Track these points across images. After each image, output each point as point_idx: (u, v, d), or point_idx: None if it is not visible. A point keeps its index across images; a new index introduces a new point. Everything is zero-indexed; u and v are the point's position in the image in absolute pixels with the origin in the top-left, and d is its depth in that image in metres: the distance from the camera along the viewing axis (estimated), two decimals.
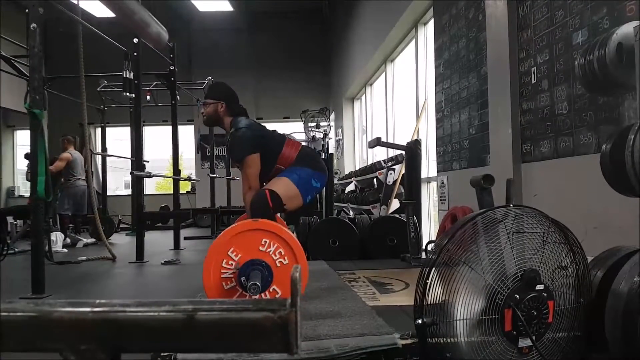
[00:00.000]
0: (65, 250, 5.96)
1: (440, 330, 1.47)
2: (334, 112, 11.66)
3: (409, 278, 2.98)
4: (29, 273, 3.18)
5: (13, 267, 4.64)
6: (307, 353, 1.57)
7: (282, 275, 2.08)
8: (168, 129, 6.66)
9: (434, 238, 4.91)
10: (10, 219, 6.56)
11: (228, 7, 10.08)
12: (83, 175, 6.70)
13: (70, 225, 6.78)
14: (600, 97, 2.45)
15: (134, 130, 6.89)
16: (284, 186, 2.62)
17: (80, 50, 4.37)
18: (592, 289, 1.59)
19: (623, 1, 2.28)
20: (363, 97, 9.88)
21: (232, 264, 2.06)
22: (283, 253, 2.10)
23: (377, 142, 4.58)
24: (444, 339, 1.47)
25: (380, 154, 7.44)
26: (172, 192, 6.54)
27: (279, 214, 2.80)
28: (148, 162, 7.25)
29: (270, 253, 2.09)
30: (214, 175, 8.49)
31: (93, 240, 6.76)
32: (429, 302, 1.48)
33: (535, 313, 1.46)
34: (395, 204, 5.56)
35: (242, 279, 2.01)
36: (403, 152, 5.03)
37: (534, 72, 3.07)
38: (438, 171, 4.80)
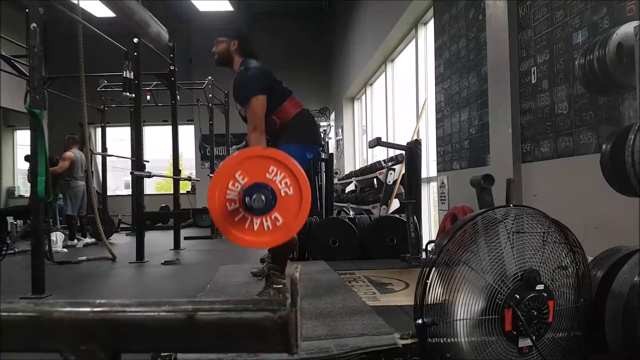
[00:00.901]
0: (65, 250, 5.96)
1: (441, 330, 1.47)
2: (334, 112, 11.66)
3: (409, 278, 2.98)
4: (29, 273, 3.18)
5: (13, 267, 4.64)
6: (307, 353, 1.57)
7: (285, 205, 2.08)
8: (168, 129, 6.67)
9: (434, 238, 4.91)
10: (10, 219, 6.58)
11: (228, 7, 10.08)
12: (82, 175, 6.70)
13: (77, 225, 6.79)
14: (600, 97, 2.45)
15: (134, 130, 6.88)
16: None
17: (80, 50, 4.37)
18: (592, 289, 1.59)
19: (623, 1, 2.28)
20: (363, 97, 9.88)
21: (237, 186, 2.07)
22: (289, 183, 2.09)
23: (377, 142, 4.58)
24: (444, 339, 1.47)
25: (380, 154, 7.43)
26: (172, 192, 6.54)
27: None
28: (148, 162, 7.25)
29: (277, 181, 2.08)
30: None
31: (93, 240, 6.77)
32: (429, 302, 1.48)
33: (535, 313, 1.46)
34: (395, 204, 5.56)
35: (247, 199, 2.01)
36: (403, 152, 5.03)
37: (534, 72, 3.07)
38: (438, 171, 4.80)
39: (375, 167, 6.18)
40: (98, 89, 8.11)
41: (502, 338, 1.45)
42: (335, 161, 9.08)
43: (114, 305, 0.57)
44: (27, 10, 3.30)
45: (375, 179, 6.22)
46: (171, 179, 6.90)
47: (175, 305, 0.56)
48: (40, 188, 3.16)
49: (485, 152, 3.71)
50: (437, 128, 4.84)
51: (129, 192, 11.54)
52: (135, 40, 5.04)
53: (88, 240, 6.75)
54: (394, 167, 5.54)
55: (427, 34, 5.85)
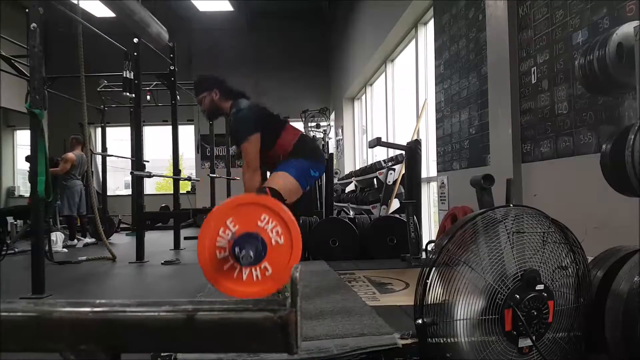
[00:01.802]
0: (65, 250, 5.96)
1: (441, 330, 1.47)
2: (334, 112, 11.66)
3: (409, 278, 2.98)
4: (29, 273, 3.18)
5: (13, 267, 4.64)
6: (307, 353, 1.57)
7: (275, 255, 2.08)
8: (168, 129, 6.66)
9: (434, 238, 4.91)
10: (10, 219, 6.58)
11: (228, 7, 10.08)
12: (78, 175, 6.69)
13: (78, 225, 6.79)
14: (600, 97, 2.45)
15: (134, 130, 6.88)
16: (283, 181, 2.63)
17: (81, 50, 4.37)
18: (592, 289, 1.59)
19: (623, 1, 2.28)
20: (363, 97, 9.88)
21: (228, 234, 2.07)
22: (280, 232, 2.10)
23: (377, 142, 4.58)
24: (444, 339, 1.47)
25: (380, 154, 7.43)
26: (172, 192, 6.54)
27: None
28: (148, 162, 7.25)
29: (268, 230, 2.09)
30: (214, 175, 8.49)
31: (93, 240, 6.77)
32: (429, 302, 1.48)
33: (535, 313, 1.46)
34: (395, 204, 5.56)
35: (236, 249, 2.02)
36: (403, 152, 5.03)
37: (534, 72, 3.07)
38: (438, 171, 4.80)
39: (375, 167, 6.17)
40: (98, 89, 8.10)
41: (502, 338, 1.45)
42: (335, 161, 9.09)
43: (114, 305, 0.57)
44: (27, 10, 3.30)
45: (375, 179, 6.22)
46: (171, 179, 6.89)
47: (175, 305, 0.56)
48: (40, 188, 3.16)
49: (485, 152, 3.71)
50: (437, 128, 4.84)
51: (129, 192, 11.54)
52: (135, 40, 5.04)
53: (88, 240, 6.75)
54: (394, 167, 5.54)
55: (427, 34, 5.85)
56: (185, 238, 6.70)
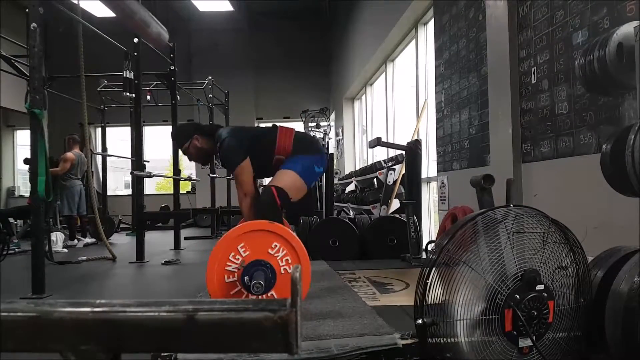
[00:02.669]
0: (65, 250, 5.96)
1: (441, 330, 1.47)
2: (334, 112, 11.66)
3: (409, 278, 2.98)
4: (29, 273, 3.18)
5: (13, 267, 4.64)
6: (307, 353, 1.57)
7: (284, 283, 2.08)
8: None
9: (434, 238, 4.91)
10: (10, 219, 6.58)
11: (228, 7, 10.08)
12: (79, 175, 6.69)
13: (78, 225, 6.79)
14: (600, 97, 2.45)
15: (134, 130, 6.88)
16: (289, 179, 2.63)
17: (81, 50, 4.37)
18: (592, 289, 1.59)
19: (623, 1, 2.28)
20: (363, 97, 9.88)
21: (238, 259, 2.07)
22: (290, 261, 2.10)
23: (377, 142, 4.58)
24: (444, 339, 1.47)
25: (380, 154, 7.44)
26: (172, 192, 6.55)
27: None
28: (148, 162, 7.25)
29: (278, 258, 2.10)
30: (214, 175, 8.49)
31: (93, 240, 6.77)
32: (429, 302, 1.48)
33: (535, 313, 1.46)
34: (395, 204, 5.56)
35: (246, 278, 2.01)
36: (403, 152, 5.03)
37: (534, 72, 3.07)
38: (438, 171, 4.80)
39: (375, 167, 6.17)
40: (98, 89, 8.11)
41: (502, 338, 1.45)
42: (335, 161, 9.09)
43: (114, 305, 0.57)
44: (27, 10, 3.30)
45: (375, 179, 6.22)
46: (171, 179, 6.89)
47: (175, 305, 0.56)
48: (40, 188, 3.16)
49: (485, 152, 3.71)
50: (437, 128, 4.84)
51: (129, 192, 11.54)
52: (135, 40, 5.04)
53: (88, 240, 6.75)
54: (394, 167, 5.54)
55: (427, 34, 5.85)
56: (186, 238, 6.71)
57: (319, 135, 9.16)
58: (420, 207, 4.57)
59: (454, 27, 4.36)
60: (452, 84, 4.42)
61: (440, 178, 4.68)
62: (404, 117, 7.15)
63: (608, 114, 2.41)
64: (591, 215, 2.44)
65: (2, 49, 5.79)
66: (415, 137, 5.26)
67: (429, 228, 5.56)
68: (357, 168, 8.86)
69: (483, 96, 3.75)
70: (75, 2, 4.72)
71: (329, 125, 9.87)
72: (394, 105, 7.47)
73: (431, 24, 5.27)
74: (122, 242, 7.14)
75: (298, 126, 10.04)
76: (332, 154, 7.93)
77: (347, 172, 9.60)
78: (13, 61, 5.44)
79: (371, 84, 9.19)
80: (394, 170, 5.53)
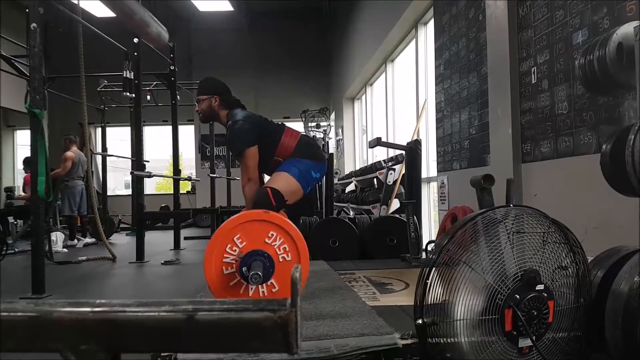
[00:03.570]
0: (65, 250, 5.96)
1: (441, 330, 1.47)
2: (334, 112, 11.66)
3: (409, 278, 2.98)
4: (29, 273, 3.18)
5: (13, 267, 4.64)
6: (307, 353, 1.57)
7: (283, 271, 2.08)
8: (168, 129, 6.67)
9: (434, 238, 4.91)
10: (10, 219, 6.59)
11: (228, 7, 10.08)
12: (81, 175, 6.69)
13: (78, 225, 6.79)
14: (600, 97, 2.45)
15: (134, 130, 6.89)
16: (285, 182, 2.62)
17: (81, 50, 4.37)
18: (592, 289, 1.59)
19: (623, 1, 2.28)
20: (363, 97, 9.88)
21: (235, 250, 2.06)
22: (287, 249, 2.09)
23: (377, 142, 4.58)
24: (444, 339, 1.47)
25: (380, 154, 7.44)
26: (172, 192, 6.54)
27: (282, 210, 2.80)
28: (148, 162, 7.25)
29: (275, 247, 2.08)
30: (214, 175, 8.50)
31: (93, 240, 6.77)
32: (429, 302, 1.48)
33: (535, 313, 1.46)
34: (395, 204, 5.56)
35: (244, 268, 2.01)
36: (403, 152, 5.03)
37: (534, 72, 3.07)
38: (438, 171, 4.80)
39: (375, 167, 6.18)
40: (98, 89, 8.11)
41: (502, 338, 1.45)
42: (335, 161, 9.09)
43: (114, 305, 0.57)
44: (27, 10, 3.30)
45: (375, 179, 6.23)
46: (171, 179, 6.89)
47: (175, 305, 0.56)
48: (40, 188, 3.16)
49: (485, 152, 3.71)
50: (437, 128, 4.84)
51: (129, 192, 11.55)
52: (135, 40, 5.04)
53: (88, 240, 6.75)
54: (394, 167, 5.54)
55: (427, 34, 5.85)
56: (185, 238, 6.70)
57: (319, 135, 9.15)
58: (420, 207, 4.57)
59: (454, 27, 4.36)
60: (452, 84, 4.42)
61: (440, 178, 4.68)
62: (404, 117, 7.15)
63: (608, 114, 2.41)
64: (591, 215, 2.44)
65: (2, 49, 5.79)
66: (415, 137, 5.26)
67: (429, 228, 5.56)
68: (357, 168, 8.86)
69: (483, 96, 3.75)
70: (75, 2, 4.72)
71: (329, 125, 9.86)
72: (394, 105, 7.47)
73: (431, 24, 5.27)
74: (122, 242, 7.14)
75: (298, 126, 10.06)
76: (332, 154, 7.93)
77: (347, 172, 9.60)
78: (13, 61, 5.45)
79: (371, 84, 9.19)
80: (394, 170, 5.53)
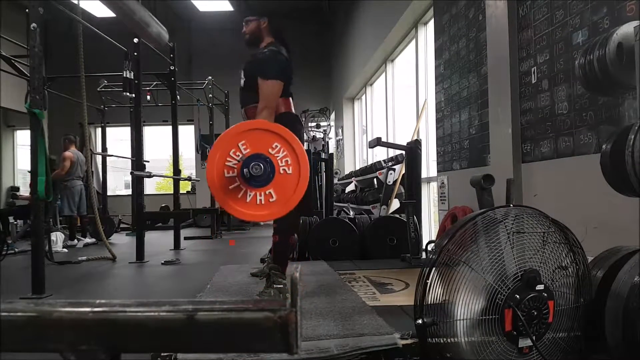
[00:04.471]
0: (65, 250, 5.96)
1: (441, 330, 1.47)
2: (334, 112, 11.66)
3: (409, 278, 2.98)
4: (29, 273, 3.18)
5: (13, 267, 4.64)
6: (307, 353, 1.57)
7: (282, 183, 2.05)
8: (168, 129, 6.66)
9: (434, 238, 4.91)
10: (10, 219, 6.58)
11: (228, 7, 10.08)
12: (81, 175, 6.69)
13: (78, 225, 6.79)
14: (600, 97, 2.45)
15: (134, 130, 6.88)
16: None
17: (81, 50, 4.37)
18: (592, 289, 1.59)
19: (623, 1, 2.28)
20: (363, 97, 9.88)
21: (239, 155, 2.05)
22: (289, 162, 2.07)
23: (377, 142, 4.58)
24: (444, 339, 1.47)
25: (380, 154, 7.44)
26: (172, 192, 6.54)
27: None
28: (148, 162, 7.25)
29: (278, 158, 2.06)
30: None
31: (93, 240, 6.77)
32: (429, 302, 1.48)
33: (535, 313, 1.46)
34: (395, 204, 5.56)
35: (245, 170, 1.99)
36: (403, 152, 5.03)
37: (534, 72, 3.07)
38: (438, 171, 4.80)
39: (375, 167, 6.18)
40: (98, 89, 8.11)
41: (502, 338, 1.45)
42: (335, 161, 9.09)
43: (114, 305, 0.57)
44: (27, 10, 3.30)
45: (375, 179, 6.23)
46: (171, 179, 6.89)
47: (175, 305, 0.56)
48: (40, 188, 3.16)
49: (485, 152, 3.71)
50: (437, 128, 4.84)
51: (129, 192, 11.54)
52: (135, 40, 5.04)
53: (88, 240, 6.75)
54: (394, 167, 5.54)
55: (427, 34, 5.85)
56: (185, 238, 6.70)
57: (319, 135, 9.15)
58: (420, 207, 4.57)
59: (454, 27, 4.36)
60: (452, 84, 4.42)
61: (440, 178, 4.68)
62: (404, 117, 7.15)
63: (608, 114, 2.41)
64: (591, 215, 2.44)
65: (2, 49, 5.79)
66: (415, 137, 5.26)
67: (429, 228, 5.56)
68: (357, 168, 8.86)
69: (483, 96, 3.75)
70: (75, 2, 4.72)
71: (329, 125, 9.87)
72: (394, 105, 7.47)
73: (431, 24, 5.27)
74: (122, 242, 7.14)
75: None
76: (332, 154, 7.93)
77: (347, 172, 9.59)
78: (13, 61, 5.44)
79: (371, 84, 9.19)
80: (394, 170, 5.53)
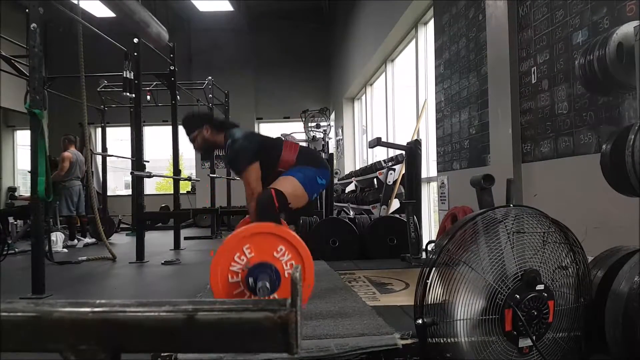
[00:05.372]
0: (65, 250, 5.96)
1: (441, 330, 1.47)
2: (334, 112, 11.66)
3: (409, 278, 2.98)
4: (29, 273, 3.18)
5: (13, 267, 4.64)
6: (307, 352, 1.57)
7: (288, 287, 2.07)
8: (168, 129, 6.66)
9: (434, 238, 4.91)
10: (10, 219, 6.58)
11: (228, 7, 10.08)
12: (80, 175, 6.69)
13: (77, 225, 6.78)
14: (600, 97, 2.45)
15: (134, 130, 6.88)
16: (290, 185, 2.61)
17: (81, 50, 4.37)
18: (592, 289, 1.60)
19: (623, 1, 2.28)
20: (363, 97, 9.88)
21: (243, 260, 2.07)
22: (294, 265, 2.10)
23: (377, 142, 4.58)
24: (444, 339, 1.47)
25: (380, 154, 7.43)
26: (172, 192, 6.54)
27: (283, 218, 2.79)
28: (148, 162, 7.25)
29: (283, 262, 2.09)
30: (214, 175, 8.49)
31: (93, 240, 6.77)
32: (429, 302, 1.48)
33: (535, 313, 1.46)
34: (395, 204, 5.56)
35: (250, 279, 2.01)
36: (403, 152, 5.03)
37: (534, 72, 3.07)
38: (438, 171, 4.80)
39: (375, 167, 6.17)
40: (98, 89, 8.10)
41: (502, 338, 1.45)
42: (335, 161, 9.09)
43: (114, 305, 0.57)
44: (27, 10, 3.30)
45: (375, 179, 6.22)
46: (171, 179, 6.89)
47: (175, 305, 0.56)
48: (40, 188, 3.16)
49: (485, 152, 3.71)
50: (437, 128, 4.84)
51: (129, 192, 11.54)
52: (135, 40, 5.04)
53: (88, 240, 6.75)
54: (394, 167, 5.54)
55: (427, 34, 5.85)
56: (186, 238, 6.71)
57: (319, 135, 9.15)
58: (420, 207, 4.57)
59: (454, 27, 4.36)
60: (452, 84, 4.42)
61: (440, 178, 4.68)
62: (404, 117, 7.15)
63: (608, 114, 2.41)
64: (591, 215, 2.44)
65: (2, 49, 5.79)
66: (415, 137, 5.25)
67: (429, 228, 5.55)
68: (357, 168, 8.86)
69: (483, 96, 3.75)
70: (75, 2, 4.72)
71: (329, 125, 9.86)
72: (394, 105, 7.47)
73: (431, 24, 5.26)
74: (122, 242, 7.14)
75: (298, 126, 10.06)
76: (332, 154, 7.92)
77: (347, 172, 9.59)
78: (13, 61, 5.44)
79: (371, 84, 9.18)
80: (394, 170, 5.53)
